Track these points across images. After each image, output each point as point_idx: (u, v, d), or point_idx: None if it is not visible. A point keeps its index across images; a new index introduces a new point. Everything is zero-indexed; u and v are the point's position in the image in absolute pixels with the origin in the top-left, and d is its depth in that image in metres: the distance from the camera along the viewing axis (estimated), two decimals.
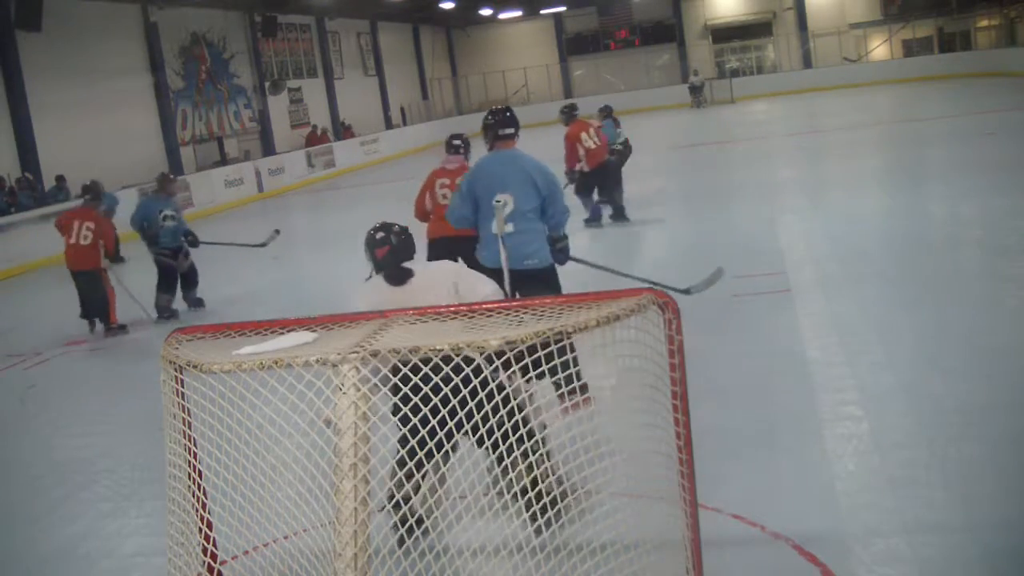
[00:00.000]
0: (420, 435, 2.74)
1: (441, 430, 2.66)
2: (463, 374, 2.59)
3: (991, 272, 7.68)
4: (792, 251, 9.11)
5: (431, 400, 2.63)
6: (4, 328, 10.52)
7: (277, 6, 26.47)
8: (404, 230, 4.09)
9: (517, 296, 5.31)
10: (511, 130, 5.49)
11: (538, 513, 2.86)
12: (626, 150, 11.95)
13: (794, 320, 6.79)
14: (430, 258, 6.29)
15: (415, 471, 3.03)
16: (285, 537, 2.97)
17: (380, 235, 4.04)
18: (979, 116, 18.00)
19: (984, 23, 35.00)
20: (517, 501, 3.17)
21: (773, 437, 4.83)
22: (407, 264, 4.00)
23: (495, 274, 5.07)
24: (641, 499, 2.78)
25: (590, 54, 39.45)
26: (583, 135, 10.82)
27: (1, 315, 12.15)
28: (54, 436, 6.57)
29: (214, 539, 2.87)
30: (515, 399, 2.82)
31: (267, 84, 26.68)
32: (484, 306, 2.80)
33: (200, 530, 2.84)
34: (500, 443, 2.83)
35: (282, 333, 2.81)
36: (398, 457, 3.21)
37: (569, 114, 11.21)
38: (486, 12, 36.88)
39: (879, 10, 36.37)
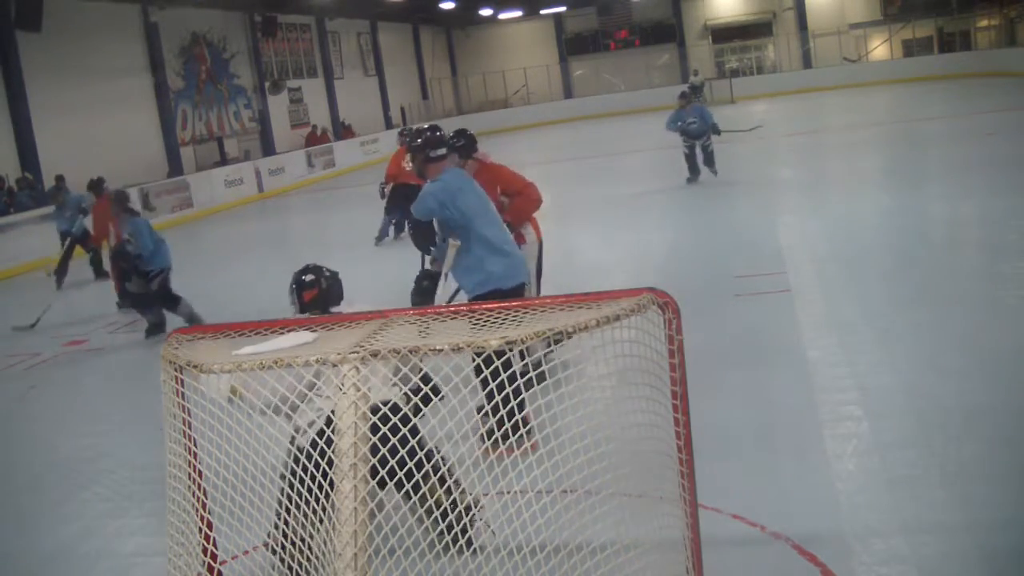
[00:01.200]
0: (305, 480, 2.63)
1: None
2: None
3: (991, 272, 7.68)
4: (792, 251, 9.10)
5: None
6: (4, 328, 10.52)
7: (277, 6, 26.48)
8: (334, 275, 3.93)
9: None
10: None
11: (454, 524, 2.90)
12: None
13: (794, 320, 6.79)
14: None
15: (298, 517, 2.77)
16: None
17: (308, 277, 3.88)
18: (979, 116, 18.00)
19: (984, 23, 35.00)
20: (438, 524, 3.15)
21: (773, 437, 4.83)
22: (335, 309, 3.82)
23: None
24: (641, 499, 2.78)
25: (590, 54, 39.45)
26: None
27: (1, 315, 12.15)
28: (54, 436, 6.57)
29: (214, 539, 2.87)
30: (405, 426, 2.74)
31: (267, 84, 26.69)
32: (484, 306, 2.80)
33: (200, 530, 2.84)
34: (408, 477, 2.73)
35: (282, 333, 2.81)
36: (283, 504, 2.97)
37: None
38: (486, 12, 36.88)
39: (879, 10, 36.37)
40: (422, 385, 2.86)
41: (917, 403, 5.00)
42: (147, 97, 21.69)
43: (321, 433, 2.76)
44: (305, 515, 2.63)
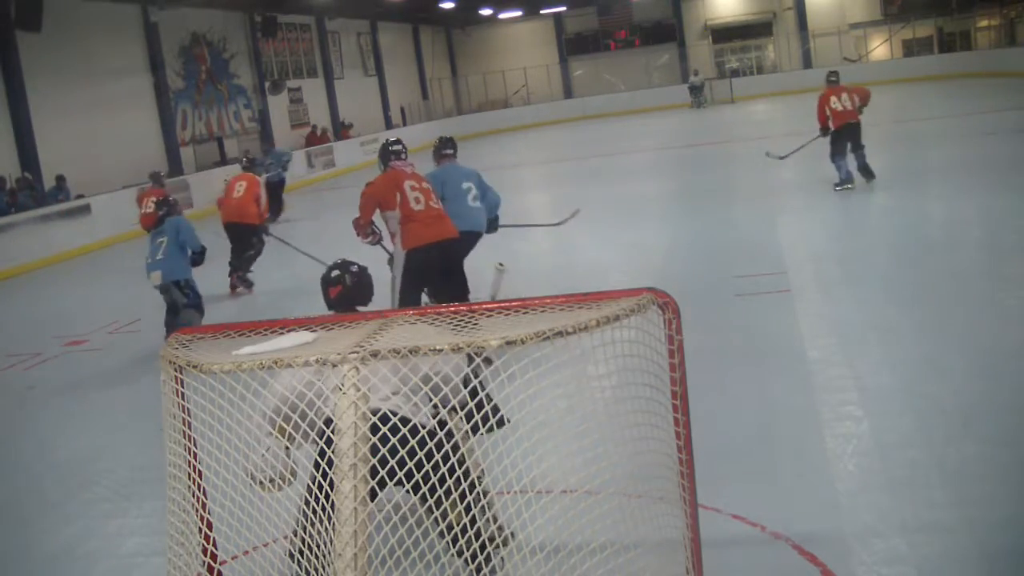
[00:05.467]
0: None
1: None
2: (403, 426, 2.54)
3: (991, 272, 7.68)
4: (792, 251, 9.11)
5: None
6: (4, 328, 10.52)
7: (277, 6, 26.47)
8: (362, 271, 3.87)
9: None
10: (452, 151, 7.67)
11: (477, 554, 2.83)
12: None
13: (794, 320, 6.79)
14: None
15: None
16: (285, 537, 2.97)
17: (335, 273, 3.83)
18: (979, 116, 18.00)
19: (984, 23, 34.97)
20: (453, 546, 3.07)
21: (773, 437, 4.83)
22: (362, 308, 3.75)
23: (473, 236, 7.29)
24: (641, 499, 2.78)
25: (590, 54, 39.42)
26: (832, 98, 11.76)
27: (1, 315, 12.15)
28: (54, 436, 6.57)
29: (214, 539, 2.87)
30: (449, 441, 2.72)
31: (267, 84, 26.67)
32: (484, 306, 2.80)
33: (200, 530, 2.84)
34: (437, 488, 2.71)
35: (282, 333, 2.81)
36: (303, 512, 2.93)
37: (828, 80, 12.50)
38: (486, 12, 36.86)
39: (879, 10, 36.34)
40: (475, 410, 2.72)
41: (917, 403, 5.00)
42: (147, 97, 21.68)
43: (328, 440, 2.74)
44: (321, 520, 2.63)
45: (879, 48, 35.98)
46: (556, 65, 39.49)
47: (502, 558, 2.93)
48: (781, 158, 13.11)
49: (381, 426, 2.68)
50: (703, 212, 12.37)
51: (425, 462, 2.62)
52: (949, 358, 5.64)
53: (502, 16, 38.05)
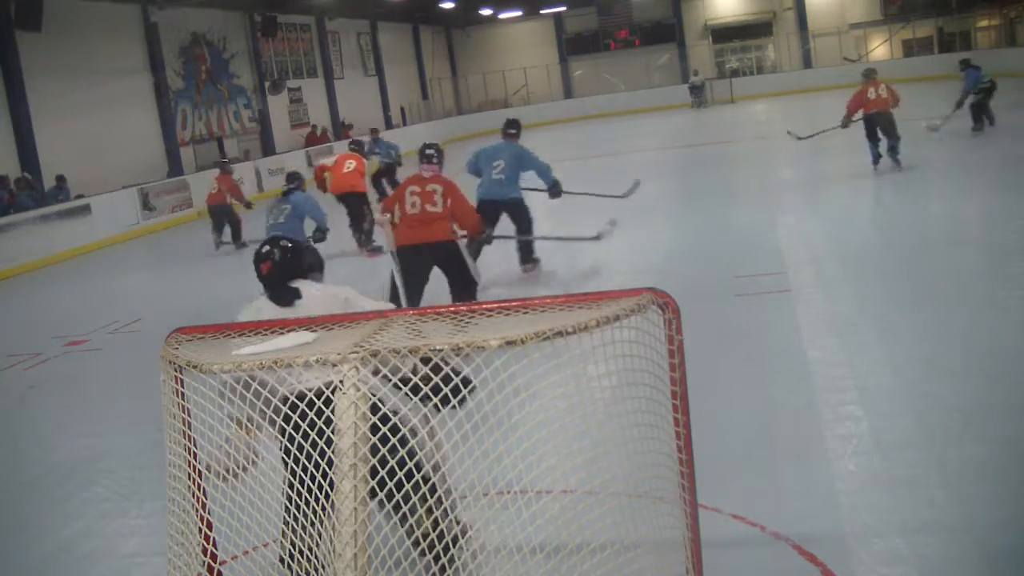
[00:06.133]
0: (307, 481, 2.62)
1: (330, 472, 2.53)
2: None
3: (991, 272, 7.68)
4: (792, 251, 9.11)
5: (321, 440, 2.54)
6: (4, 328, 10.52)
7: (277, 6, 26.47)
8: (294, 246, 3.82)
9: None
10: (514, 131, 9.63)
11: (440, 557, 2.83)
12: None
13: (794, 320, 6.79)
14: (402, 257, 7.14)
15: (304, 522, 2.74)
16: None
17: (264, 248, 3.78)
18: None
19: (984, 23, 34.98)
20: (418, 547, 3.00)
21: (773, 437, 4.83)
22: (296, 283, 3.70)
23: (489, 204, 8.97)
24: (641, 499, 2.78)
25: (590, 54, 39.43)
26: (870, 90, 12.99)
27: (1, 315, 12.16)
28: (54, 436, 6.57)
29: (214, 539, 2.87)
30: (413, 437, 2.70)
31: (267, 84, 26.67)
32: (483, 306, 2.80)
33: (200, 530, 2.84)
34: (396, 491, 2.70)
35: (282, 333, 2.81)
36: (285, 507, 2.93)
37: (866, 75, 13.53)
38: (486, 12, 36.86)
39: (879, 10, 36.34)
40: (442, 384, 2.70)
41: (917, 403, 4.99)
42: (147, 97, 21.68)
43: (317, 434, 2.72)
44: (308, 519, 2.62)
45: (879, 48, 35.98)
46: (556, 65, 39.50)
47: (470, 555, 2.93)
48: (800, 138, 13.69)
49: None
50: (703, 212, 12.37)
51: (392, 455, 2.59)
52: (949, 358, 5.64)
53: (502, 16, 38.06)
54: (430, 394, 2.71)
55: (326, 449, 2.57)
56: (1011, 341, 5.83)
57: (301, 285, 3.69)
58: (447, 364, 2.64)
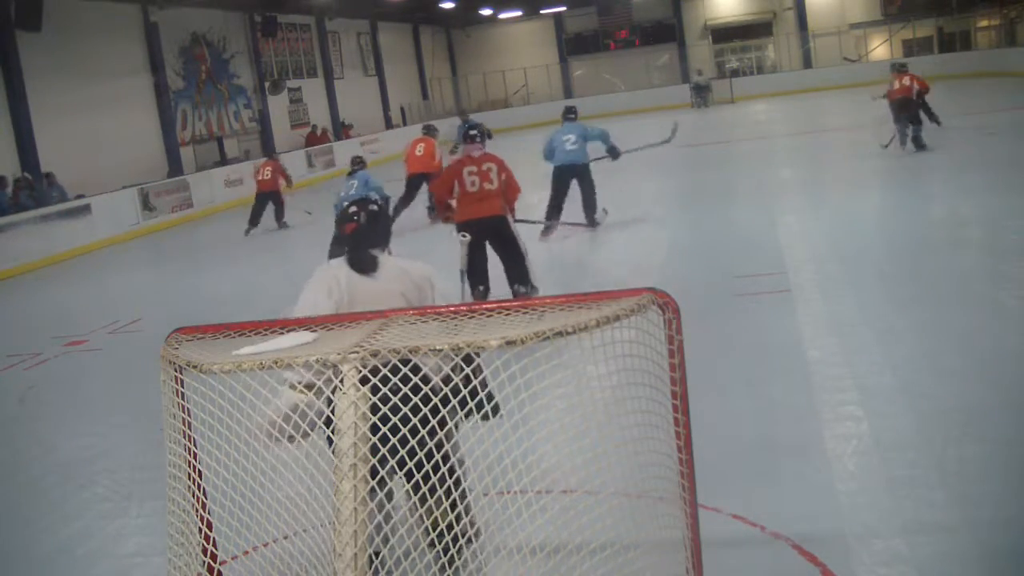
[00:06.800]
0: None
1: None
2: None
3: (991, 272, 7.67)
4: (792, 251, 9.11)
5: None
6: (3, 329, 10.52)
7: (277, 6, 26.47)
8: (380, 211, 3.73)
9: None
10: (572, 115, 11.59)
11: (447, 551, 2.82)
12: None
13: (794, 320, 6.79)
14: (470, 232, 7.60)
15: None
16: (285, 537, 2.96)
17: (352, 209, 3.70)
18: (979, 116, 17.99)
19: (984, 23, 34.97)
20: (430, 537, 3.05)
21: (773, 437, 4.83)
22: (376, 252, 3.63)
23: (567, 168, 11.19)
24: (641, 499, 2.78)
25: (590, 54, 39.43)
26: (895, 81, 14.93)
27: (1, 315, 12.16)
28: (54, 436, 6.57)
29: (214, 539, 2.87)
30: (442, 430, 2.68)
31: (267, 84, 26.67)
32: (483, 306, 2.80)
33: (200, 530, 2.84)
34: (424, 481, 2.70)
35: (282, 333, 2.80)
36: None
37: (896, 68, 15.61)
38: (486, 12, 36.86)
39: (879, 10, 36.34)
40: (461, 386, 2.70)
41: (917, 403, 4.99)
42: (147, 97, 21.68)
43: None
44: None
45: (879, 48, 35.98)
46: (556, 65, 39.49)
47: (471, 554, 2.93)
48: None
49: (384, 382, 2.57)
50: (703, 212, 12.37)
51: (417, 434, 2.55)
52: (949, 358, 5.64)
53: (502, 16, 38.05)
54: (458, 406, 2.72)
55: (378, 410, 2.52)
56: (1011, 341, 5.83)
57: (380, 256, 3.63)
58: (477, 376, 2.68)
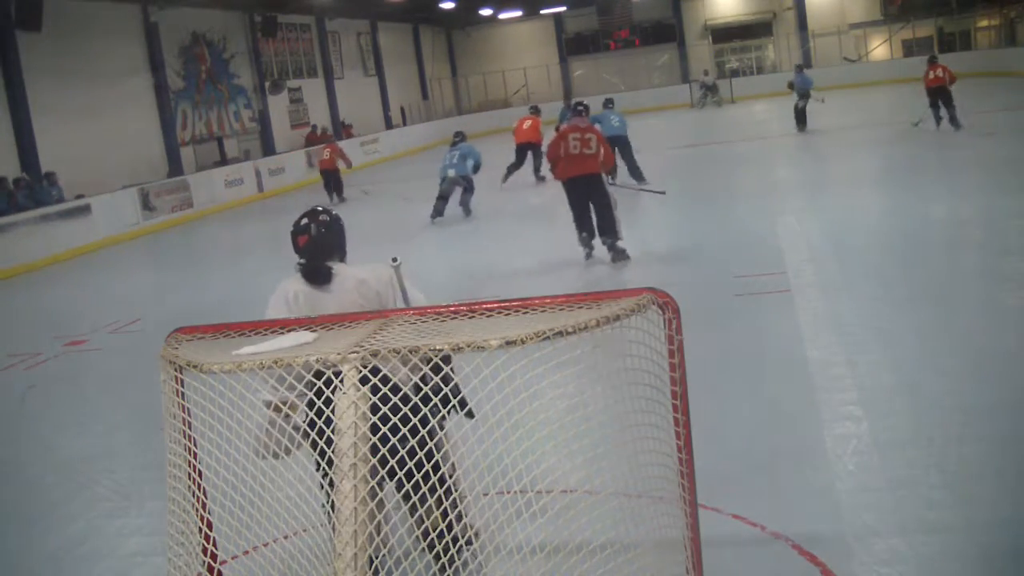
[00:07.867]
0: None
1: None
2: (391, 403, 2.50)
3: (991, 272, 7.67)
4: (792, 251, 9.10)
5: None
6: (3, 329, 10.52)
7: (277, 6, 26.46)
8: (331, 221, 3.66)
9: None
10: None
11: (442, 555, 2.82)
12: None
13: (794, 320, 6.79)
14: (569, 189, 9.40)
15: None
16: (285, 537, 2.97)
17: (303, 221, 3.65)
18: (979, 116, 17.99)
19: (984, 23, 34.98)
20: (426, 543, 3.03)
21: (773, 437, 4.83)
22: (332, 263, 3.59)
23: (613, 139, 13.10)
24: (641, 499, 2.78)
25: (590, 54, 39.45)
26: (930, 72, 16.95)
27: (1, 315, 12.16)
28: (54, 436, 6.57)
29: (214, 539, 2.87)
30: (434, 436, 2.69)
31: (267, 84, 26.67)
32: (483, 306, 2.80)
33: (200, 530, 2.84)
34: (420, 485, 2.71)
35: (282, 333, 2.81)
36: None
37: (930, 60, 17.82)
38: (486, 12, 36.86)
39: (879, 10, 36.36)
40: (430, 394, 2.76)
41: (917, 403, 4.99)
42: (147, 97, 21.68)
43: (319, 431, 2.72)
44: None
45: (879, 48, 35.99)
46: (556, 65, 39.50)
47: (470, 554, 2.93)
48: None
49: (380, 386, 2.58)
50: (703, 212, 12.37)
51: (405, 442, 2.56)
52: (949, 358, 5.64)
53: (502, 16, 38.05)
54: (440, 404, 2.73)
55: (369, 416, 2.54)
56: (1011, 341, 5.83)
57: (336, 267, 3.58)
58: (448, 382, 2.73)
